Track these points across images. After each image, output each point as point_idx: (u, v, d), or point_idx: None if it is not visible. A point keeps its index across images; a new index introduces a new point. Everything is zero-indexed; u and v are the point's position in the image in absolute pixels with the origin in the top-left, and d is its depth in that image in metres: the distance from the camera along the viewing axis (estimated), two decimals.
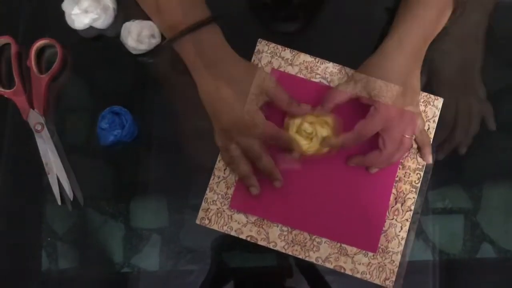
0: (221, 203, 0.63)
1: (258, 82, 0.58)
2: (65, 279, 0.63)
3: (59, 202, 0.63)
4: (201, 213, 0.63)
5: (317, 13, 0.69)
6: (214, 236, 0.63)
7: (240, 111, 0.57)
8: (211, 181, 0.63)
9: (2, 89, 0.65)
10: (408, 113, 0.58)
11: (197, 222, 0.62)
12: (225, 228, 0.63)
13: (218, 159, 0.64)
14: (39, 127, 0.64)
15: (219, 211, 0.63)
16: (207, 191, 0.63)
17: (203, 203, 0.63)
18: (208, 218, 0.63)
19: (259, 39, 0.66)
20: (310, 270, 0.63)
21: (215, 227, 0.62)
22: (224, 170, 0.64)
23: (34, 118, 0.64)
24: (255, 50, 0.66)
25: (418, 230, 0.63)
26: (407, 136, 0.59)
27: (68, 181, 0.63)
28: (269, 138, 0.59)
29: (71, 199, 0.63)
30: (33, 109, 0.64)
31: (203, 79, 0.59)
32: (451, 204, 0.64)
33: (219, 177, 0.64)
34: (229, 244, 0.63)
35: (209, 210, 0.63)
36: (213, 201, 0.63)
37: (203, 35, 0.58)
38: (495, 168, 0.66)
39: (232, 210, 0.63)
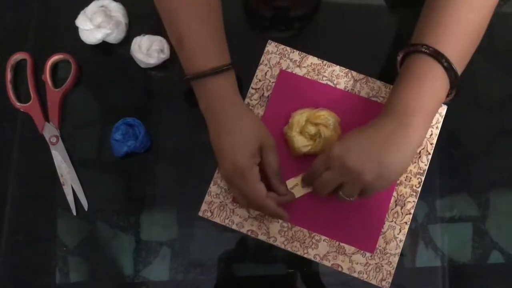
0: (224, 197, 0.63)
1: (258, 136, 0.58)
2: None
3: (75, 213, 0.64)
4: (204, 206, 0.63)
5: (311, 23, 0.70)
6: (223, 248, 0.63)
7: (235, 163, 0.56)
8: (215, 175, 0.64)
9: (19, 103, 0.66)
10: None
11: (200, 214, 0.63)
12: (226, 221, 0.63)
13: None
14: (54, 140, 0.65)
15: (222, 204, 0.63)
16: (211, 185, 0.64)
17: (206, 196, 0.63)
18: (210, 211, 0.63)
19: (269, 40, 0.67)
20: (316, 282, 0.64)
21: (217, 220, 0.63)
22: None
23: (49, 131, 0.65)
24: (265, 51, 0.67)
25: (427, 239, 0.63)
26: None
27: (83, 192, 0.64)
28: (253, 205, 0.59)
29: (86, 210, 0.64)
30: (48, 122, 0.66)
31: (210, 123, 0.59)
32: (459, 212, 0.64)
33: None
34: (237, 255, 0.63)
35: (212, 203, 0.63)
36: (216, 194, 0.64)
37: (219, 80, 0.58)
38: (503, 175, 0.66)
39: (234, 204, 0.63)
